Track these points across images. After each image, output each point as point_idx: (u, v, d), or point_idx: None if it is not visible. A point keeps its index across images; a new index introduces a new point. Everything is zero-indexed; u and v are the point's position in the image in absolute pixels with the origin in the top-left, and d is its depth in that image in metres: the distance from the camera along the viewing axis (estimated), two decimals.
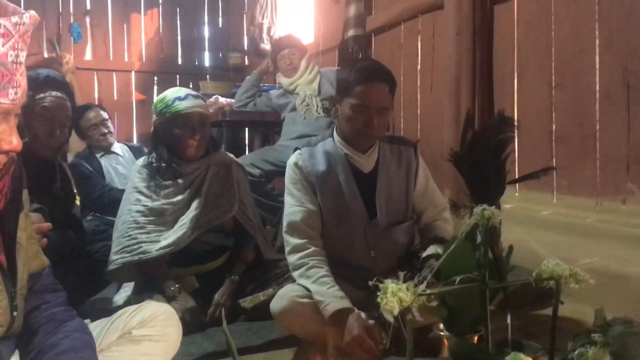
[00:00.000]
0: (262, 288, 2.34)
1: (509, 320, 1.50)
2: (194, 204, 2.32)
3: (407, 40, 3.66)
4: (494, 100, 2.90)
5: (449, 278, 1.30)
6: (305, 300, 1.81)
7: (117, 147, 3.70)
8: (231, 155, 2.53)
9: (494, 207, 1.28)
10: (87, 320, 1.38)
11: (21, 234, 1.20)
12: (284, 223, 1.96)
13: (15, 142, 1.02)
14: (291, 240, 1.92)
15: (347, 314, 1.68)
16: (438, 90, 3.27)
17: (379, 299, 1.19)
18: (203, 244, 2.36)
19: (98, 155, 3.66)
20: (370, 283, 1.26)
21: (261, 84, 4.19)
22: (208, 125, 2.37)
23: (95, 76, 6.35)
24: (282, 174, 3.63)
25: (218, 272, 2.38)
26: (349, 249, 1.96)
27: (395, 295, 1.17)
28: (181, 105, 2.28)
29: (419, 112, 3.53)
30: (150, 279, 2.29)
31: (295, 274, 1.89)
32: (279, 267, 2.39)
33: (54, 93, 2.07)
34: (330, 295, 1.75)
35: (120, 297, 2.38)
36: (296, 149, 2.08)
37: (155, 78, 6.68)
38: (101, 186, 3.45)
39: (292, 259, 1.90)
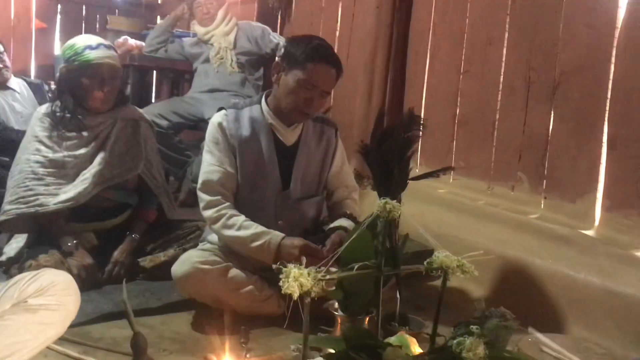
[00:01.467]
0: (163, 248, 2.35)
1: (397, 296, 1.62)
2: (98, 159, 2.25)
3: (329, 4, 3.65)
4: (405, 78, 2.99)
5: (348, 263, 1.37)
6: (207, 266, 1.85)
7: (14, 83, 3.47)
8: (139, 110, 2.45)
9: (395, 200, 1.35)
10: None
11: None
12: (200, 180, 1.97)
13: None
14: (205, 197, 1.94)
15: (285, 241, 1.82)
16: (354, 60, 3.32)
17: (280, 282, 1.24)
18: (104, 201, 2.30)
19: None
20: (274, 266, 1.30)
21: (174, 30, 4.04)
22: (118, 78, 2.28)
23: None
24: (190, 127, 3.64)
25: (119, 229, 2.34)
26: (257, 215, 1.99)
27: (297, 280, 1.23)
28: (92, 55, 2.17)
29: None
30: (46, 232, 2.21)
31: (215, 227, 1.92)
32: (182, 228, 2.40)
33: None
34: (265, 233, 1.84)
35: (11, 247, 2.28)
36: (221, 108, 2.06)
37: (59, 6, 6.23)
38: None
39: (208, 213, 1.93)
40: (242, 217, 1.90)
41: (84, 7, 6.33)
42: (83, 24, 6.36)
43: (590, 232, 2.20)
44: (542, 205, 2.41)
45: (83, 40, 2.21)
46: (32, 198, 2.14)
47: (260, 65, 3.82)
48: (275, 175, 2.01)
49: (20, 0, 5.99)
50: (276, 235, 1.84)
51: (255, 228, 1.86)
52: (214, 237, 2.03)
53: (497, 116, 2.55)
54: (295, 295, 1.22)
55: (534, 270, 2.19)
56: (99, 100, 2.22)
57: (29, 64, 6.14)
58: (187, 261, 1.88)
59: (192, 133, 3.74)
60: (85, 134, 2.26)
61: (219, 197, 1.93)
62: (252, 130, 1.99)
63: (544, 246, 2.23)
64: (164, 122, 3.47)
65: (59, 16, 6.25)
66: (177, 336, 1.80)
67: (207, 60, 3.74)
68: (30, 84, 3.58)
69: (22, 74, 3.99)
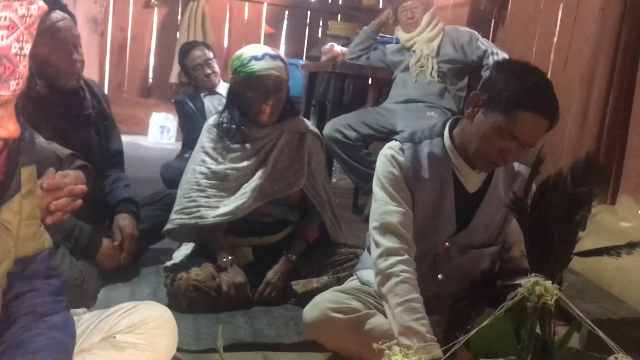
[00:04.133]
0: (318, 274, 2.18)
1: None
2: (259, 173, 2.17)
3: (548, 5, 3.16)
4: (633, 99, 2.40)
5: (479, 353, 1.03)
6: (339, 315, 1.60)
7: (222, 87, 3.63)
8: (307, 122, 2.32)
9: (551, 281, 0.97)
10: (82, 310, 1.30)
11: (12, 217, 1.11)
12: (376, 221, 1.64)
13: (12, 128, 0.94)
14: (383, 242, 1.61)
15: None
16: (571, 71, 2.80)
17: None
18: (264, 216, 2.21)
19: (202, 95, 3.63)
20: (375, 346, 1.03)
21: (378, 36, 3.88)
22: (284, 90, 2.17)
23: (228, 5, 6.33)
24: (381, 139, 3.44)
25: (276, 246, 2.24)
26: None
27: None
28: (257, 66, 2.09)
29: None
30: (206, 244, 2.20)
31: (378, 280, 1.59)
32: (339, 254, 2.21)
33: (58, 13, 2.01)
34: (421, 337, 1.43)
35: (179, 253, 2.32)
36: (394, 139, 1.73)
37: (286, 12, 6.54)
38: (200, 127, 3.42)
39: (381, 263, 1.59)
40: (414, 292, 1.53)
41: (308, 12, 6.57)
42: (307, 29, 6.61)
43: None
44: None
45: (249, 50, 2.14)
46: (194, 209, 2.14)
47: (464, 74, 3.48)
48: (450, 227, 1.67)
49: (253, 7, 6.43)
50: (431, 348, 1.40)
51: (417, 321, 1.48)
52: (365, 275, 1.79)
53: None
54: None
55: None
56: (264, 113, 2.14)
57: None
58: (318, 306, 1.65)
59: (383, 145, 3.54)
60: (248, 146, 2.19)
61: (400, 246, 1.59)
62: (430, 172, 1.64)
63: None
64: (352, 134, 3.34)
65: (285, 21, 6.58)
66: None
67: (407, 69, 3.52)
68: None
69: None
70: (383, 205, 1.63)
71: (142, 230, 2.28)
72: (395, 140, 1.68)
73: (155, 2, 6.14)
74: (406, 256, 1.58)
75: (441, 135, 1.66)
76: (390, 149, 1.68)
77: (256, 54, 2.11)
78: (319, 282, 2.13)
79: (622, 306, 2.10)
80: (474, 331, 1.03)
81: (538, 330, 1.11)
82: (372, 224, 1.65)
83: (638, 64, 2.40)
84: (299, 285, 2.15)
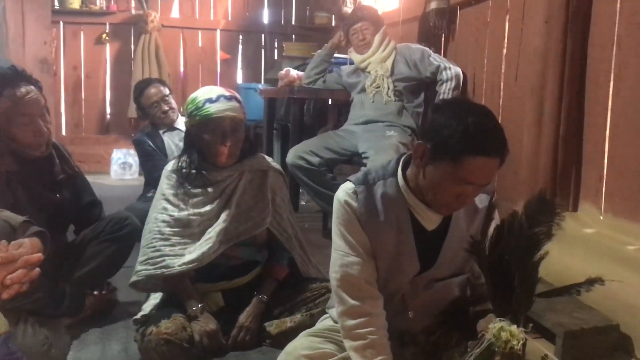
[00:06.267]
0: (291, 312, 2.16)
1: None
2: (223, 216, 2.14)
3: (495, 17, 3.21)
4: (584, 107, 2.45)
5: None
6: None
7: (181, 123, 3.59)
8: (268, 159, 2.30)
9: (517, 325, 0.97)
10: None
11: None
12: (336, 274, 1.59)
13: None
14: (346, 299, 1.56)
15: None
16: (523, 82, 2.85)
17: None
18: (232, 259, 2.19)
19: (161, 132, 3.59)
20: None
21: (332, 59, 3.89)
22: (241, 130, 2.15)
23: (181, 34, 6.29)
24: (344, 161, 3.44)
25: (247, 288, 2.21)
26: (385, 308, 1.62)
27: None
28: (212, 109, 2.07)
29: (500, 103, 3.11)
30: (174, 293, 2.16)
31: (348, 344, 1.56)
32: (311, 290, 2.19)
33: (23, 88, 2.00)
34: None
35: (148, 304, 2.27)
36: (348, 180, 1.66)
37: (240, 36, 6.53)
38: (162, 165, 3.37)
39: (347, 322, 1.56)
40: (383, 356, 1.51)
41: (263, 35, 6.57)
42: (262, 52, 6.60)
43: None
44: None
45: (203, 93, 2.12)
46: (159, 259, 2.10)
47: (420, 90, 3.51)
48: (414, 266, 1.62)
49: (207, 35, 6.39)
50: None
51: None
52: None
53: None
54: None
55: None
56: (222, 155, 2.12)
57: None
58: (291, 355, 1.62)
59: (349, 168, 3.55)
60: (210, 190, 2.17)
61: (364, 304, 1.55)
62: (386, 213, 1.58)
63: None
64: (315, 159, 3.34)
65: (240, 46, 6.56)
66: None
67: (363, 90, 3.54)
68: None
69: None
70: (343, 257, 1.58)
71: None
72: (349, 181, 1.63)
73: (107, 38, 6.06)
74: (373, 314, 1.55)
75: (395, 174, 1.61)
76: (344, 192, 1.62)
77: (210, 96, 2.09)
78: (292, 320, 2.11)
79: (594, 314, 2.12)
80: None
81: None
82: (333, 275, 1.60)
83: (585, 72, 2.45)
84: (272, 327, 2.12)
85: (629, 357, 1.99)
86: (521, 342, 0.98)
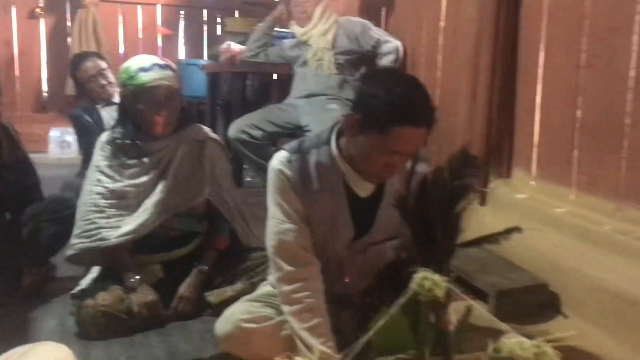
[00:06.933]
0: (231, 282, 2.16)
1: None
2: (160, 186, 2.12)
3: None
4: (516, 77, 2.52)
5: (381, 352, 1.06)
6: (252, 325, 1.60)
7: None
8: (206, 129, 2.28)
9: (439, 274, 1.01)
10: None
11: None
12: (272, 241, 1.60)
13: None
14: (282, 266, 1.58)
15: None
16: (459, 54, 2.90)
17: None
18: (171, 230, 2.17)
19: (99, 107, 3.49)
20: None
21: (274, 32, 3.87)
22: (177, 99, 2.12)
23: (120, 10, 6.10)
24: (287, 135, 3.44)
25: (188, 259, 2.20)
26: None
27: None
28: (145, 77, 2.03)
29: (438, 76, 3.17)
30: (112, 266, 2.13)
31: (285, 309, 1.58)
32: (251, 259, 2.19)
33: None
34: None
35: (86, 280, 2.23)
36: (281, 148, 1.68)
37: (182, 12, 6.38)
38: None
39: (283, 288, 1.57)
40: (320, 318, 1.53)
41: (204, 11, 6.44)
42: (205, 28, 6.48)
43: None
44: None
45: (136, 62, 2.07)
46: (94, 232, 2.06)
47: (361, 64, 3.53)
48: (349, 233, 1.65)
49: (147, 10, 6.22)
50: None
51: (323, 344, 1.49)
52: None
53: (628, 120, 2.03)
54: None
55: None
56: (157, 125, 2.08)
57: None
58: (229, 319, 1.63)
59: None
60: (146, 160, 2.13)
61: (301, 270, 1.57)
62: (320, 181, 1.60)
63: None
64: (257, 133, 3.33)
65: (182, 22, 6.42)
66: None
67: (305, 63, 3.54)
68: None
69: None
70: (278, 224, 1.59)
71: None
72: (284, 150, 1.64)
73: (41, 12, 5.81)
74: (309, 279, 1.57)
75: (328, 142, 1.61)
76: (278, 161, 1.62)
77: (144, 65, 2.05)
78: (233, 290, 2.11)
79: (525, 275, 2.21)
80: (372, 331, 1.05)
81: None
82: (270, 243, 1.62)
83: (517, 44, 2.52)
84: (212, 296, 2.11)
85: (557, 314, 2.10)
86: (444, 290, 1.01)
